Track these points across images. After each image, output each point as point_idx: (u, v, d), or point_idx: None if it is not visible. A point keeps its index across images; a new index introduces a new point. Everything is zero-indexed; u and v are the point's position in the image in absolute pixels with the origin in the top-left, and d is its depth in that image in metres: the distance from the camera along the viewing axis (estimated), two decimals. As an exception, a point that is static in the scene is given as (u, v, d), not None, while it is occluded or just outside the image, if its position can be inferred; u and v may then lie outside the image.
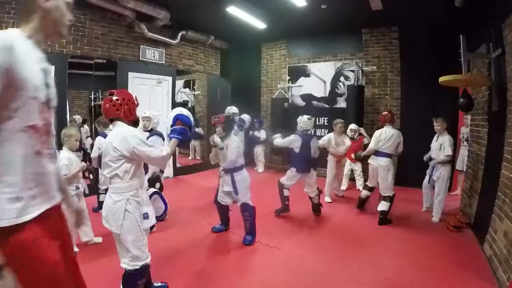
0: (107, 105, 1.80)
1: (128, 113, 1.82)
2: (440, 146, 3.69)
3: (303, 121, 3.83)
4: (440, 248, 2.95)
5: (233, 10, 4.86)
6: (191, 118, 2.00)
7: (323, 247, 3.02)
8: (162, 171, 3.70)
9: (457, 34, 3.15)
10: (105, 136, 2.74)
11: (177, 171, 6.30)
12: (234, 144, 2.99)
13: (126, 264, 1.79)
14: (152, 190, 2.17)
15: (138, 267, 1.78)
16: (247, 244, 2.99)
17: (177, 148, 6.72)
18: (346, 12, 4.85)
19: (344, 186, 5.14)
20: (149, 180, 3.27)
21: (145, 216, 1.82)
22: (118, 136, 1.72)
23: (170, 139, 1.88)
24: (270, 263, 2.68)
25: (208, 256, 2.80)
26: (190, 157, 7.59)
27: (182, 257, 2.75)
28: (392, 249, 2.97)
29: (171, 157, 1.94)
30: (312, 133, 4.17)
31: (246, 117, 4.04)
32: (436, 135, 3.86)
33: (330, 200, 4.54)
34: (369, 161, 3.87)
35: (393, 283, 2.34)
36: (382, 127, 3.85)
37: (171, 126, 1.92)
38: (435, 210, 3.73)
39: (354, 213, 3.95)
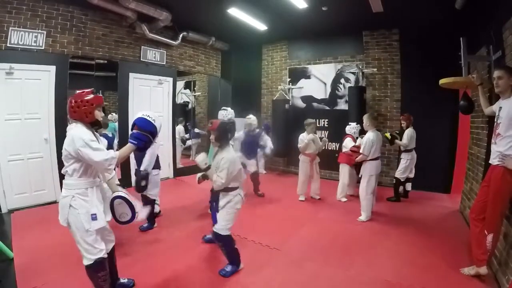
0: (68, 106, 1.84)
1: (83, 115, 1.82)
2: None
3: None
4: (439, 249, 2.95)
5: (234, 12, 4.87)
6: (155, 124, 1.96)
7: (322, 248, 3.02)
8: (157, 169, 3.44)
9: (458, 36, 3.15)
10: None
11: (178, 172, 6.30)
12: (226, 164, 2.30)
13: (84, 258, 1.83)
14: (117, 194, 1.88)
15: (91, 262, 1.82)
16: (222, 275, 2.44)
17: (181, 148, 6.76)
18: (347, 14, 4.87)
19: (344, 199, 4.70)
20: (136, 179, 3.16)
21: (93, 217, 1.81)
22: (69, 137, 1.78)
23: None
24: (270, 264, 2.68)
25: (205, 257, 2.81)
26: (191, 158, 7.59)
27: (179, 257, 2.76)
28: (391, 250, 2.97)
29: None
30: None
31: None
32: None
33: (303, 199, 4.66)
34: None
35: (392, 284, 2.34)
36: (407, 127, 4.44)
37: (131, 130, 1.91)
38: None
39: (353, 215, 3.94)
